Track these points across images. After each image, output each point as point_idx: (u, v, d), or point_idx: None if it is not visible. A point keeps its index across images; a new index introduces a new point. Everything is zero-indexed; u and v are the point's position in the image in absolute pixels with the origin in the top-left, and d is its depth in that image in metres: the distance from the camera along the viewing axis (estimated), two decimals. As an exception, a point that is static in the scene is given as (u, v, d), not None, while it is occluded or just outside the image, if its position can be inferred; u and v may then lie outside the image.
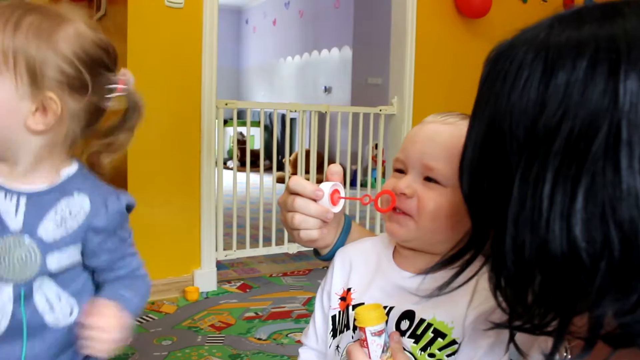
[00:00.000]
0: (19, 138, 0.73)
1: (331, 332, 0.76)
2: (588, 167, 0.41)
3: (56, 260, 0.76)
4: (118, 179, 2.53)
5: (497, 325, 0.53)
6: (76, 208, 0.77)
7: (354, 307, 0.72)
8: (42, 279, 0.76)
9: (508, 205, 0.45)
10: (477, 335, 0.65)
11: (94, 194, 0.79)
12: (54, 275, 0.77)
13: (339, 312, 0.75)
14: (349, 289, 0.76)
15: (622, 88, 0.40)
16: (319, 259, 0.83)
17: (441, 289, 0.58)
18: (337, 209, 0.73)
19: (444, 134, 0.69)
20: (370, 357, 0.58)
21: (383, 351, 0.58)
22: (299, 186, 0.73)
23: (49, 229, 0.75)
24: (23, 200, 0.75)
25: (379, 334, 0.58)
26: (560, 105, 0.42)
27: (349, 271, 0.77)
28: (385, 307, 0.70)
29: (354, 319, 0.62)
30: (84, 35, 0.75)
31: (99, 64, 0.77)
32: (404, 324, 0.68)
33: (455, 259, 0.54)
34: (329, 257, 0.81)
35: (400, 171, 0.72)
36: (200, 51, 2.50)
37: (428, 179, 0.69)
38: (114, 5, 2.67)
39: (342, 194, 0.73)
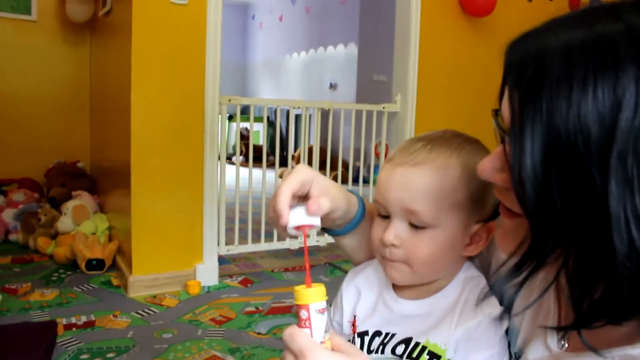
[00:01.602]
0: None
1: None
2: None
3: None
4: (122, 173, 2.55)
5: (562, 328, 0.54)
6: None
7: (359, 334, 0.74)
8: None
9: (597, 210, 0.44)
10: (468, 351, 0.66)
11: None
12: None
13: (353, 337, 0.76)
14: (354, 316, 0.77)
15: None
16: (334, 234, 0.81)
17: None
18: (298, 233, 0.68)
19: (417, 177, 0.68)
20: (313, 337, 0.54)
21: (325, 331, 0.54)
22: (275, 201, 0.67)
23: None
24: None
25: (322, 311, 0.55)
26: (637, 101, 0.42)
27: (356, 300, 0.78)
28: (387, 334, 0.72)
29: (295, 299, 0.58)
30: None
31: None
32: (400, 349, 0.70)
33: (517, 271, 0.52)
34: (344, 233, 0.80)
35: (384, 215, 0.71)
36: (204, 48, 2.52)
37: (414, 225, 0.68)
38: (119, 2, 2.69)
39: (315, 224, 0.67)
